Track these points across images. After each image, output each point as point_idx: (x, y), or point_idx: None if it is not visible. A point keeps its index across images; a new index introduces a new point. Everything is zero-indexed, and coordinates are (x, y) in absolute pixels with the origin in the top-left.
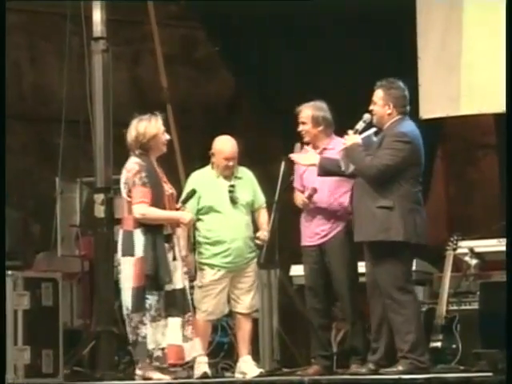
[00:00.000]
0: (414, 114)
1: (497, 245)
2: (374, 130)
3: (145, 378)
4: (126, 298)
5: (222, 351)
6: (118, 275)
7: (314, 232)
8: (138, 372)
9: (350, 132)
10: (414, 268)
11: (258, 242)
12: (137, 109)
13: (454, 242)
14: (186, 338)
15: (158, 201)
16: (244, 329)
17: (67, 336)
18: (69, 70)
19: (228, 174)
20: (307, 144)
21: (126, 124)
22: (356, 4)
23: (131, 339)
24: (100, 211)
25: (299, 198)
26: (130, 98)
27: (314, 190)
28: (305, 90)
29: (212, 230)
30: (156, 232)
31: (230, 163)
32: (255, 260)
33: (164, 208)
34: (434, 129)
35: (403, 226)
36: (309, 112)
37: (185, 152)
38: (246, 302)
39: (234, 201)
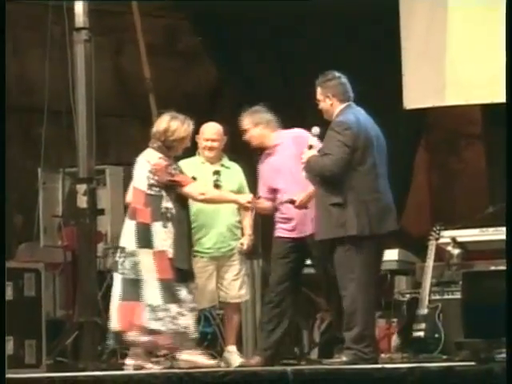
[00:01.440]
0: (397, 104)
1: (479, 234)
2: (316, 130)
3: (136, 367)
4: (152, 289)
5: (206, 341)
6: (119, 264)
7: (291, 225)
8: (129, 362)
9: (305, 150)
10: (396, 258)
11: (239, 247)
12: (119, 99)
13: (437, 232)
14: None
15: None
16: (232, 319)
17: (50, 326)
18: (51, 60)
19: (211, 157)
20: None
21: (108, 114)
22: None
23: (166, 329)
24: (82, 201)
25: (264, 205)
26: (112, 88)
27: (292, 202)
28: (288, 79)
29: (194, 215)
30: (180, 226)
31: (209, 144)
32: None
33: None
34: (418, 119)
35: (356, 220)
36: (246, 119)
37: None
38: (232, 291)
39: (217, 185)
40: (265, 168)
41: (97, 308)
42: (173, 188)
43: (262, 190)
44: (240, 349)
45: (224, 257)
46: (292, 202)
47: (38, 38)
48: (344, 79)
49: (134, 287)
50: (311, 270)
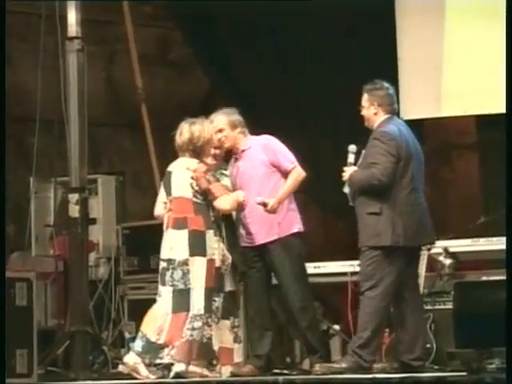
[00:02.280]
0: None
1: (471, 244)
2: (353, 148)
3: (131, 371)
4: (197, 298)
5: None
6: (171, 275)
7: (251, 233)
8: (128, 361)
9: (346, 168)
10: None
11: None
12: (111, 109)
13: None
14: (236, 340)
15: None
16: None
17: (41, 336)
18: (43, 69)
19: (214, 164)
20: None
21: (100, 123)
22: (335, 4)
23: (197, 339)
24: (74, 211)
25: (230, 199)
26: (104, 98)
27: (264, 204)
28: (280, 90)
29: None
30: (228, 234)
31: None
32: None
33: None
34: (414, 129)
35: (391, 231)
36: (223, 119)
37: (159, 153)
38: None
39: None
40: (233, 172)
41: (88, 317)
42: (207, 196)
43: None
44: None
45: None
46: (264, 204)
47: (30, 47)
48: (392, 90)
49: (183, 297)
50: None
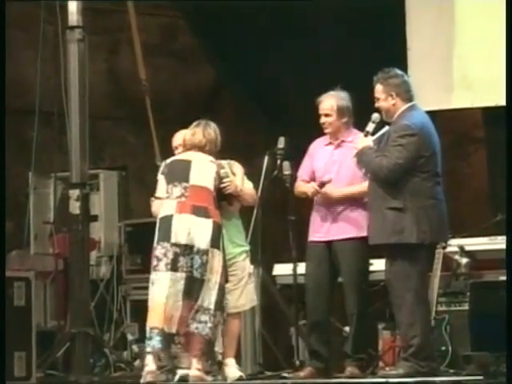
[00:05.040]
0: None
1: (488, 243)
2: (386, 128)
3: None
4: (209, 292)
5: None
6: (189, 266)
7: (323, 227)
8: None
9: (361, 135)
10: None
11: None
12: (114, 101)
13: None
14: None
15: None
16: (231, 330)
17: (40, 338)
18: (43, 60)
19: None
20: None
21: (102, 116)
22: None
23: (203, 333)
24: (75, 207)
25: (307, 187)
26: (106, 90)
27: (329, 180)
28: (292, 81)
29: None
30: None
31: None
32: (243, 257)
33: None
34: None
35: (416, 227)
36: (332, 102)
37: (163, 147)
38: (231, 301)
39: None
40: (320, 154)
41: (89, 318)
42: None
43: (305, 173)
44: (239, 362)
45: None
46: (330, 180)
47: (29, 37)
48: (406, 77)
49: (196, 286)
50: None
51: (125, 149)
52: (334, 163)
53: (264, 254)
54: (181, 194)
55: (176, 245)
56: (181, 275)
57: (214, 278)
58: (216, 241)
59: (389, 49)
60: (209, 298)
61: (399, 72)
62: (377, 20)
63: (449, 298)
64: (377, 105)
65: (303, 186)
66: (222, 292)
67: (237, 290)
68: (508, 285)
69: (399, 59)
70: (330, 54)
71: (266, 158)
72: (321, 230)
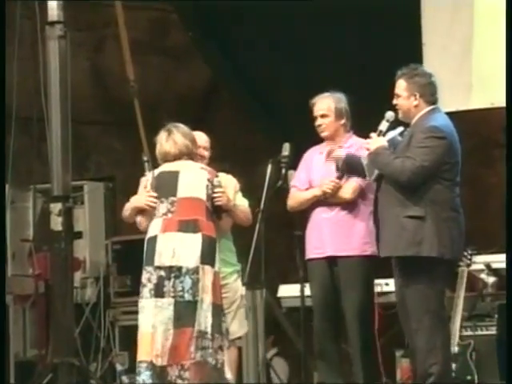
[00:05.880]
0: None
1: None
2: (400, 129)
3: None
4: (204, 314)
5: None
6: (181, 284)
7: (322, 242)
8: None
9: (373, 134)
10: None
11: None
12: (99, 104)
13: (468, 257)
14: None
15: None
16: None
17: (19, 369)
18: (20, 59)
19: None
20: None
21: (86, 121)
22: None
23: (202, 359)
24: (57, 223)
25: (314, 190)
26: (91, 92)
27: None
28: (291, 80)
29: None
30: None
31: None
32: (234, 277)
33: None
34: None
35: (437, 240)
36: (329, 102)
37: (154, 154)
38: None
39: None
40: (317, 158)
41: (74, 347)
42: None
43: (300, 182)
44: None
45: None
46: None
47: (5, 34)
48: (434, 78)
49: (188, 310)
50: None
51: (112, 157)
52: (330, 173)
53: (267, 274)
54: (167, 211)
55: (160, 268)
56: (168, 301)
57: (207, 299)
58: (207, 256)
59: (402, 44)
60: (205, 320)
61: (427, 71)
62: (390, 14)
63: (474, 322)
64: (395, 102)
65: (304, 193)
66: (217, 312)
67: (228, 315)
68: (508, 288)
69: (414, 56)
70: (334, 50)
71: (269, 167)
72: (319, 244)
